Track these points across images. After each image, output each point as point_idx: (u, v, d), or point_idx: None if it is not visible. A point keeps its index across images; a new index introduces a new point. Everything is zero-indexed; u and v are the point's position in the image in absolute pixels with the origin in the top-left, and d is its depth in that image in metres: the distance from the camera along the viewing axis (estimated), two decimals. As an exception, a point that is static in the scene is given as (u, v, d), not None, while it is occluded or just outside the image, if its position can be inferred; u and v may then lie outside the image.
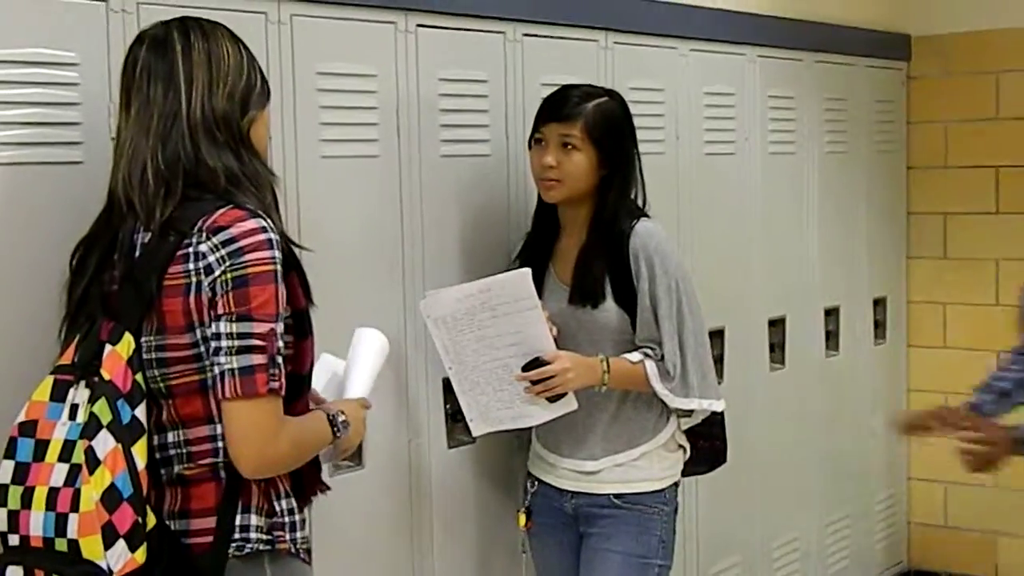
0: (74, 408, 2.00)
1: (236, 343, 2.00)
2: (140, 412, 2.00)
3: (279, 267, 2.04)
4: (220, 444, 2.07)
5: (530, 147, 3.01)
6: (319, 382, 2.38)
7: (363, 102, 2.87)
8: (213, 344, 2.01)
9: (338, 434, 2.21)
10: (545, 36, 3.34)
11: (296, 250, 2.16)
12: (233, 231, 2.02)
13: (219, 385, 2.01)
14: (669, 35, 3.78)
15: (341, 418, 2.22)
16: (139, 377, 2.02)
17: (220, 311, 2.01)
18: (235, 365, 1.99)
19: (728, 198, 4.06)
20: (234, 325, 2.00)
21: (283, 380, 2.04)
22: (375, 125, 2.90)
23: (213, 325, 2.01)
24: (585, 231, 2.97)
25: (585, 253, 2.95)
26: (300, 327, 2.14)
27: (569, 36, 3.42)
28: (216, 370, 2.01)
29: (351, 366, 2.46)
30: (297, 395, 2.14)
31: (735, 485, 3.98)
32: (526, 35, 3.28)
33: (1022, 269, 4.82)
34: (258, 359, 2.00)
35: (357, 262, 2.88)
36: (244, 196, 2.09)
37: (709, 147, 3.96)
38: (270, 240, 2.03)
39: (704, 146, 3.94)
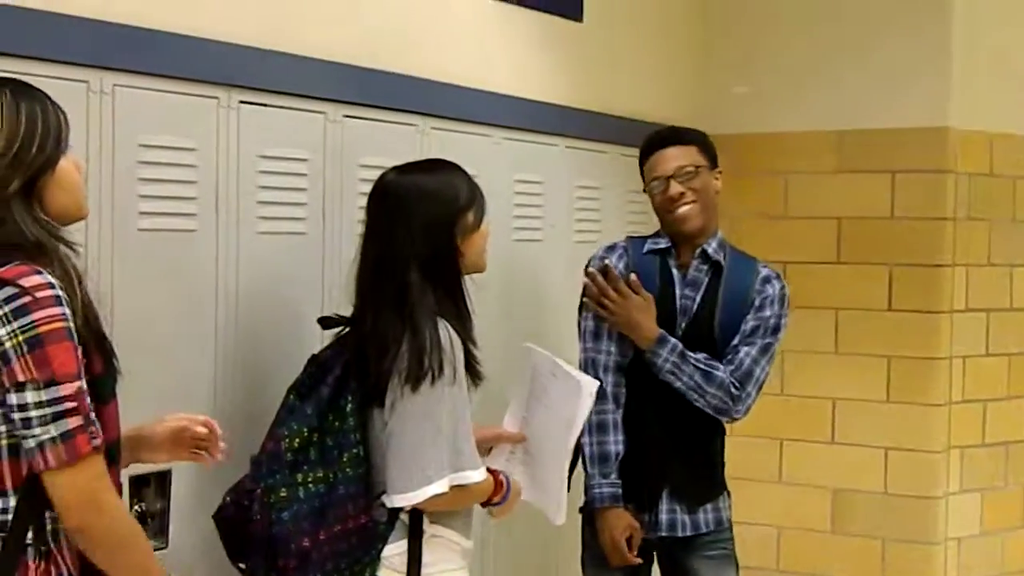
0: None
1: (48, 411, 1.93)
2: None
3: (70, 323, 1.96)
4: None
5: None
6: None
7: (183, 176, 2.84)
8: (19, 415, 1.93)
9: None
10: (365, 119, 3.37)
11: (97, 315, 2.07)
12: (17, 287, 1.93)
13: (39, 457, 1.93)
14: (484, 123, 3.86)
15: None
16: None
17: (21, 379, 1.92)
18: (54, 433, 1.93)
19: (534, 284, 4.14)
20: (42, 393, 1.92)
21: (101, 435, 1.98)
22: (194, 199, 2.87)
23: (15, 396, 1.93)
24: None
25: None
26: (99, 393, 2.05)
27: (388, 120, 3.46)
28: (32, 442, 1.93)
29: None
30: (108, 463, 2.05)
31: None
32: (347, 116, 3.30)
33: (806, 362, 5.03)
34: (74, 421, 1.94)
35: (170, 335, 2.82)
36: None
37: (518, 233, 4.04)
38: (57, 297, 1.96)
39: (513, 232, 4.02)
